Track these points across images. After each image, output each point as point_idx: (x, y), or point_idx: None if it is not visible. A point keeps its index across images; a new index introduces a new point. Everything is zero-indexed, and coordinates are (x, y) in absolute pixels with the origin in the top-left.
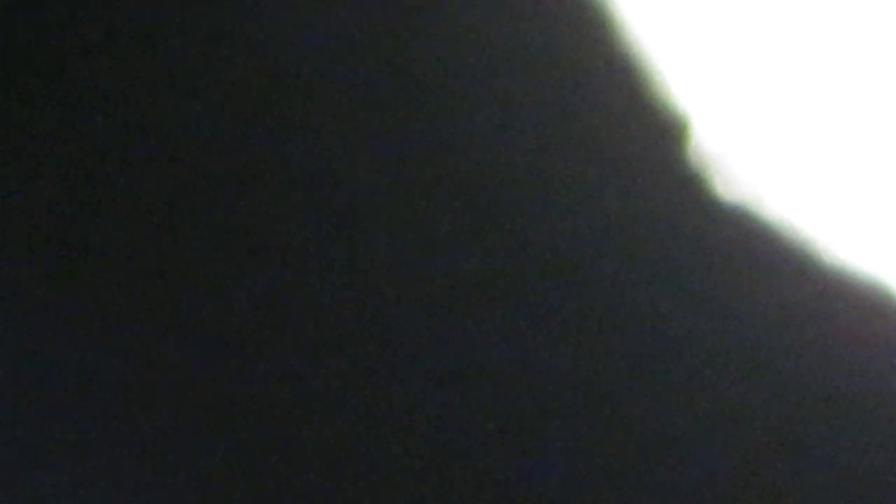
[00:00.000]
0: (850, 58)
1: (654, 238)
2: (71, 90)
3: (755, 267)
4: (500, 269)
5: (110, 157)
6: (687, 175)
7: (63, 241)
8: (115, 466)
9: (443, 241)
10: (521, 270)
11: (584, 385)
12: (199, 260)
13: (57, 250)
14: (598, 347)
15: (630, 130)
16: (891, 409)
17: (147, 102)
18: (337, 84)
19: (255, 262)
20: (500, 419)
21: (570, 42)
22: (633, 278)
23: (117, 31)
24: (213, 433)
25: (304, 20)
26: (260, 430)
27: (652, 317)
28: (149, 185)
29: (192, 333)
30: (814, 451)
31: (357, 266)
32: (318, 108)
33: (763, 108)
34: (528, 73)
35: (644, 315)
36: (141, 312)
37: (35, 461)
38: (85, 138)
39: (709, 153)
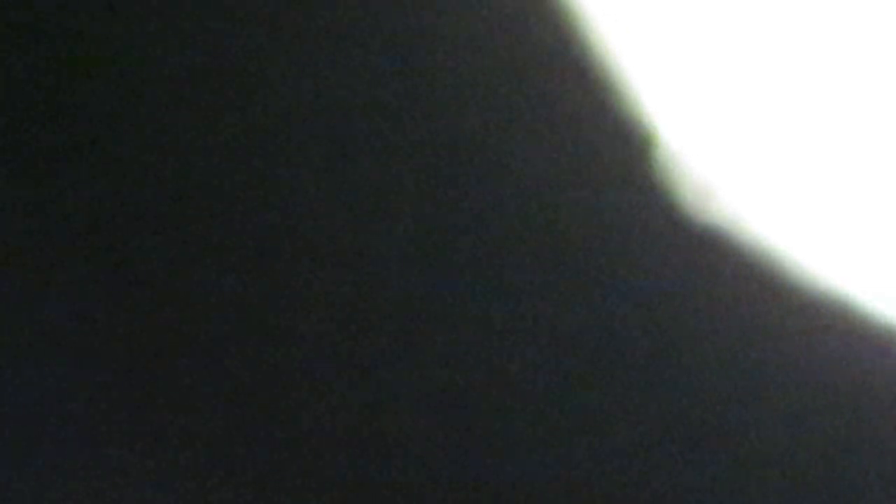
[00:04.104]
0: (822, 68)
1: (621, 246)
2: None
3: (723, 276)
4: (463, 274)
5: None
6: (654, 184)
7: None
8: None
9: (407, 243)
10: (482, 278)
11: (545, 393)
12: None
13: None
14: (563, 357)
15: (597, 140)
16: (856, 422)
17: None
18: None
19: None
20: (446, 412)
21: (537, 53)
22: (600, 287)
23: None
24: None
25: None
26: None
27: (619, 326)
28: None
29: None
30: (780, 467)
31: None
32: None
33: (732, 118)
34: (493, 81)
35: (611, 324)
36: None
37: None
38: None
39: (676, 163)
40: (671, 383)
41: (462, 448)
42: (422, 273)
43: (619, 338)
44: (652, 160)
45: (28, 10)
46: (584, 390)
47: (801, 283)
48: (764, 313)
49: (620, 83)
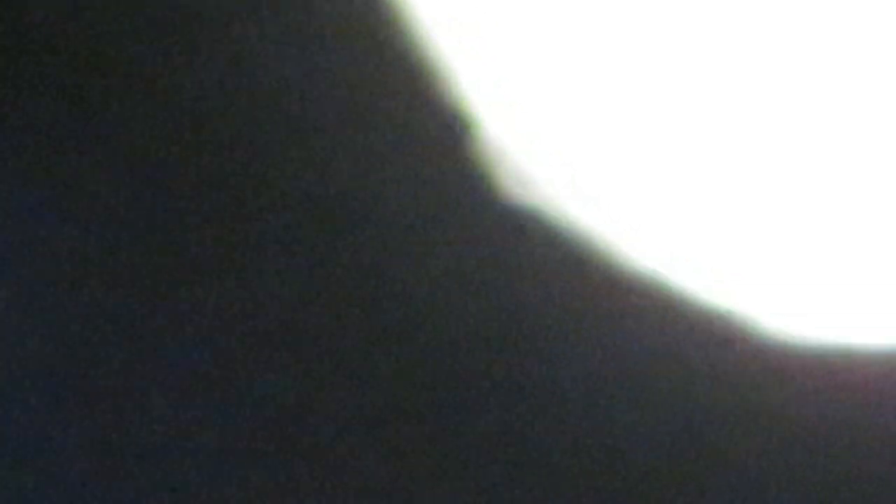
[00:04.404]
0: (635, 57)
1: (440, 235)
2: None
3: (540, 262)
4: (287, 264)
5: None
6: (475, 176)
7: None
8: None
9: (229, 241)
10: (308, 266)
11: (373, 388)
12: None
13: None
14: (383, 343)
15: (419, 132)
16: (672, 403)
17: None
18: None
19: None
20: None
21: (360, 45)
22: (419, 276)
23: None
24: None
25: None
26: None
27: (438, 312)
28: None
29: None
30: (570, 456)
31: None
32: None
33: (547, 109)
34: (314, 75)
35: (429, 310)
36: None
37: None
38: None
39: (497, 154)
40: (487, 363)
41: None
42: (232, 263)
43: (433, 319)
44: (470, 147)
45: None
46: (383, 369)
47: (614, 265)
48: (578, 295)
49: (440, 72)
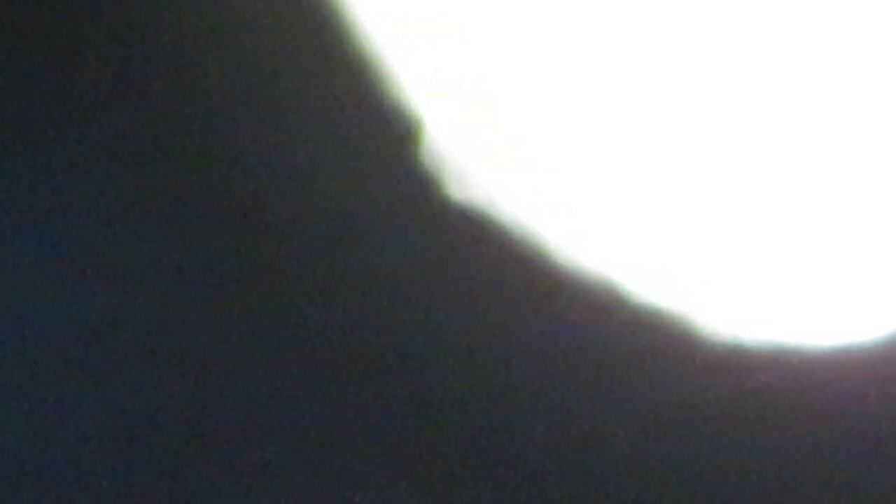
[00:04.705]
0: (584, 56)
1: (386, 238)
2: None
3: (487, 267)
4: (233, 266)
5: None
6: (419, 176)
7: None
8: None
9: (172, 238)
10: (252, 269)
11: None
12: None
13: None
14: (332, 347)
15: (363, 131)
16: (626, 405)
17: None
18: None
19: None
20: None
21: (302, 42)
22: (364, 278)
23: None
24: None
25: None
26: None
27: (385, 315)
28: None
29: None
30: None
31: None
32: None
33: (497, 110)
34: (260, 74)
35: (377, 314)
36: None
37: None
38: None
39: (441, 154)
40: (428, 365)
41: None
42: (180, 272)
43: (380, 319)
44: (415, 146)
45: None
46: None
47: (563, 267)
48: (525, 293)
49: (386, 75)
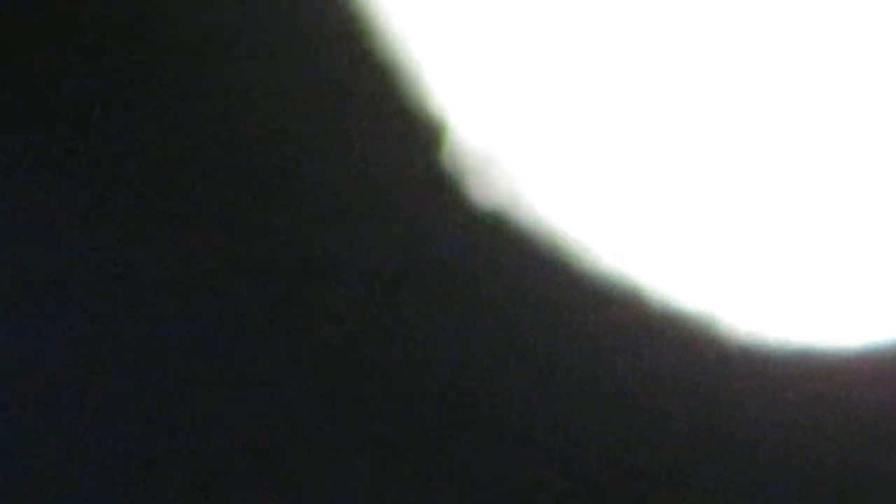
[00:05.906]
0: (605, 59)
1: (410, 239)
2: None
3: (510, 269)
4: (246, 266)
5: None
6: (443, 178)
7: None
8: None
9: (184, 237)
10: (275, 271)
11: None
12: None
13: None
14: (345, 350)
15: (387, 133)
16: (645, 408)
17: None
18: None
19: None
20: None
21: (326, 44)
22: (387, 280)
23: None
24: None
25: None
26: None
27: (408, 316)
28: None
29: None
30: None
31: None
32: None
33: (521, 112)
34: (282, 76)
35: (398, 317)
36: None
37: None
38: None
39: (466, 156)
40: (446, 367)
41: None
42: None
43: (401, 322)
44: (441, 149)
45: None
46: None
47: (587, 268)
48: (546, 296)
49: (410, 76)
